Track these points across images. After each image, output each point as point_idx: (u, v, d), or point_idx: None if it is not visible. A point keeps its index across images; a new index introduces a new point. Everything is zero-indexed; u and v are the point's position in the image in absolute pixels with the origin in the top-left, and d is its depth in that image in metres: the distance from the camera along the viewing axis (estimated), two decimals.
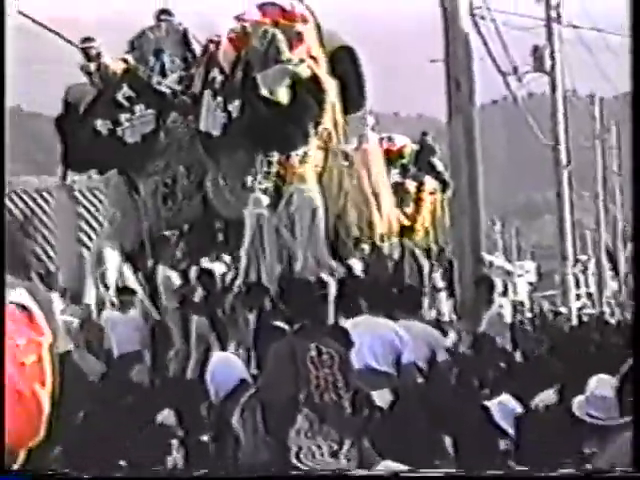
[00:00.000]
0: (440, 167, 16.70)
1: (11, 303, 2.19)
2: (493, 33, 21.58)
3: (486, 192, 16.17)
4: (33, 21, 21.07)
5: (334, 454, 7.77)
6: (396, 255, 15.57)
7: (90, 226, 17.27)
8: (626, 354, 10.15)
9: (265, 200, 13.43)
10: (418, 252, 16.05)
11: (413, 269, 15.94)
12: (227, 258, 13.97)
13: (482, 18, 20.30)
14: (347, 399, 8.01)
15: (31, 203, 24.10)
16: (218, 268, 13.82)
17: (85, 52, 14.99)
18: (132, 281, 14.36)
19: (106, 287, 14.45)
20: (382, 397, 8.97)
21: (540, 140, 25.78)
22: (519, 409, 7.92)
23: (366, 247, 14.63)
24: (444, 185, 16.56)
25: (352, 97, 14.06)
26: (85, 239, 16.83)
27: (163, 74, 14.64)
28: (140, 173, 14.56)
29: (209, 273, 13.71)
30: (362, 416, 8.06)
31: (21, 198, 23.22)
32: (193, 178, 14.21)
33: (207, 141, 13.73)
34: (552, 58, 24.89)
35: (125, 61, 15.02)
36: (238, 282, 13.38)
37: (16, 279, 2.28)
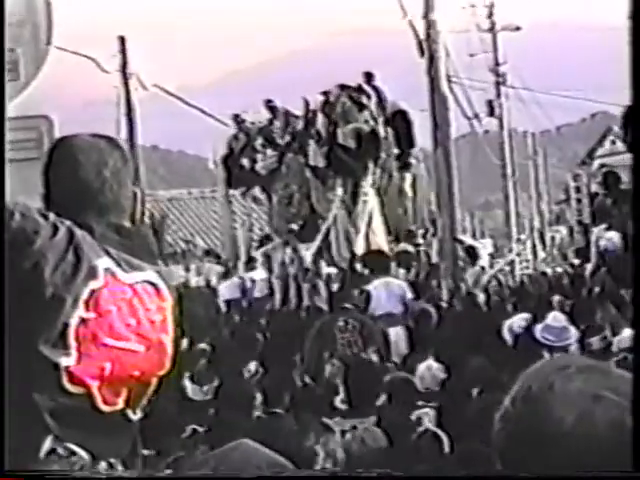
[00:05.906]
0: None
1: (144, 281, 2.75)
2: (462, 92, 23.83)
3: (459, 195, 18.84)
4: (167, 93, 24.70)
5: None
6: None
7: (239, 219, 20.16)
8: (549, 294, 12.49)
9: (340, 206, 17.04)
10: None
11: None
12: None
13: (454, 83, 21.54)
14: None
15: (164, 208, 27.28)
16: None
17: (236, 122, 19.29)
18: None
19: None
20: (396, 333, 10.03)
21: (493, 160, 29.52)
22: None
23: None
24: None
25: (404, 140, 17.26)
26: (237, 226, 19.96)
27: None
28: (270, 190, 18.48)
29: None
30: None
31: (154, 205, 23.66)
32: (304, 192, 17.88)
33: (313, 170, 17.52)
34: (500, 107, 28.48)
35: (260, 122, 18.85)
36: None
37: (146, 264, 2.78)
